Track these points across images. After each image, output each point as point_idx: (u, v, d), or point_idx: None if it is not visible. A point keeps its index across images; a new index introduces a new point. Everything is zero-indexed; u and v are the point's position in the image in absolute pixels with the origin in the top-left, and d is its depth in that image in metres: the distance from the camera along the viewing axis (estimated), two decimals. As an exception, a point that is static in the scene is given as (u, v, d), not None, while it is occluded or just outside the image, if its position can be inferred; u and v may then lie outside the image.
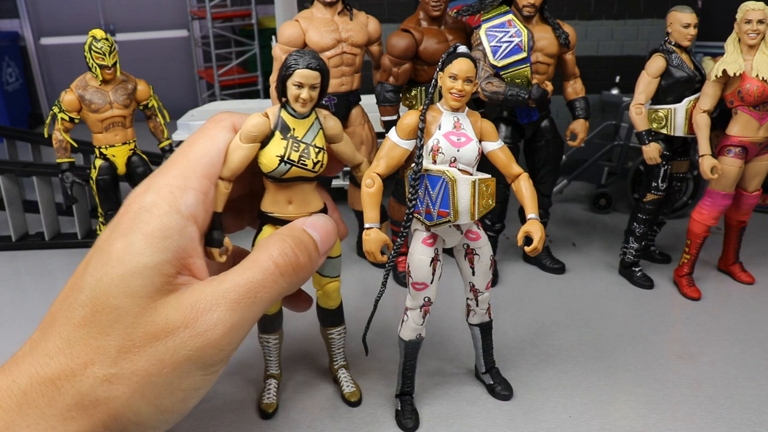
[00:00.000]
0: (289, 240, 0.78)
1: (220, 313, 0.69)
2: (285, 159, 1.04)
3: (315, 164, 1.07)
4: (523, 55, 1.69)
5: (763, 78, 1.57)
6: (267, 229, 1.12)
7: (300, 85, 1.02)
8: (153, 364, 0.65)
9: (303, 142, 1.06)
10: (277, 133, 1.05)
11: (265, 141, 1.04)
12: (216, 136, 0.87)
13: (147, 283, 0.66)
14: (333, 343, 1.36)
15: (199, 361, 0.68)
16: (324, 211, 1.15)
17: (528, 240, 1.17)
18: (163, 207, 0.72)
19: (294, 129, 1.06)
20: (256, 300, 0.72)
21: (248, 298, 0.71)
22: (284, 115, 1.06)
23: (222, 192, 0.97)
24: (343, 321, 1.35)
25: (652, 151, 1.77)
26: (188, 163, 0.80)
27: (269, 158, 1.04)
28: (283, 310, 1.30)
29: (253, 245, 1.10)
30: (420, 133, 1.13)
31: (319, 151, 1.07)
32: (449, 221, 1.14)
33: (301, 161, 1.05)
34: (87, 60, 1.79)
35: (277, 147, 1.04)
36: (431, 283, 1.20)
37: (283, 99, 1.06)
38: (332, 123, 1.11)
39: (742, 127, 1.66)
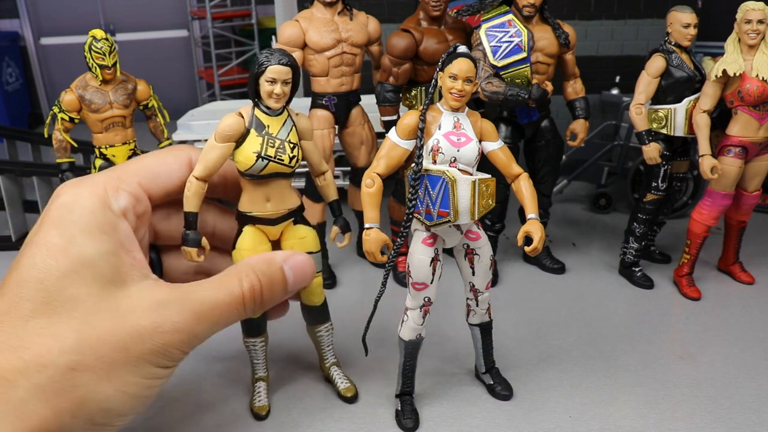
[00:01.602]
0: (263, 278, 0.83)
1: (186, 320, 0.73)
2: (262, 155, 1.07)
3: (291, 159, 1.10)
4: (523, 55, 1.69)
5: (763, 78, 1.57)
6: (248, 230, 1.12)
7: (273, 81, 1.05)
8: (119, 351, 0.67)
9: (278, 138, 1.09)
10: (252, 131, 1.08)
11: (240, 140, 1.07)
12: (166, 159, 0.91)
13: (97, 273, 0.69)
14: (322, 340, 1.35)
15: (161, 356, 0.72)
16: (301, 207, 1.19)
17: (528, 240, 1.17)
18: (95, 203, 0.74)
19: (268, 126, 1.09)
20: (218, 320, 0.78)
21: (213, 315, 0.77)
22: (258, 113, 1.09)
23: (197, 192, 0.98)
24: (329, 317, 1.34)
25: (652, 151, 1.77)
26: (128, 169, 0.83)
27: (246, 155, 1.06)
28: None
29: (233, 247, 1.11)
30: (420, 133, 1.13)
31: (294, 147, 1.11)
32: (449, 221, 1.14)
33: (278, 156, 1.08)
34: (87, 60, 1.79)
35: (253, 144, 1.07)
36: (431, 283, 1.20)
37: (256, 99, 1.09)
38: (304, 120, 1.15)
39: (742, 127, 1.66)
